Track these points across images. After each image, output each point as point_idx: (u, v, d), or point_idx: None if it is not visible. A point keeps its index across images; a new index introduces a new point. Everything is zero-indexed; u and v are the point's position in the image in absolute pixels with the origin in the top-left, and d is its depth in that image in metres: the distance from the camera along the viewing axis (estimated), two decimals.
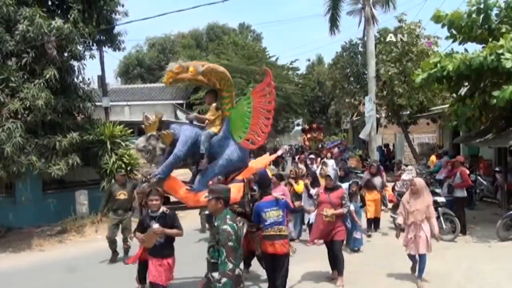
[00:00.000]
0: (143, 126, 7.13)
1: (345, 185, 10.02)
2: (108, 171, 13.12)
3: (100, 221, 9.79)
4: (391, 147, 25.98)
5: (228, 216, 4.43)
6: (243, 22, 46.11)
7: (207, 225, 11.12)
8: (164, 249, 5.94)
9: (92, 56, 14.38)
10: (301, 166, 12.65)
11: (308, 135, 26.13)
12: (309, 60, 46.40)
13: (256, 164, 7.87)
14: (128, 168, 13.56)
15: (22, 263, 10.11)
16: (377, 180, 11.24)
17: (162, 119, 7.11)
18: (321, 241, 7.66)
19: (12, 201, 12.88)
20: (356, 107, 26.67)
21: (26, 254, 11.03)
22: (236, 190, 6.63)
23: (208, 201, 4.59)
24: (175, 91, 27.24)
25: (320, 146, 23.86)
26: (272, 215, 6.48)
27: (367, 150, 22.56)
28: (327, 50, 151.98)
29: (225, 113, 7.26)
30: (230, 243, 4.24)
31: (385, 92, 20.50)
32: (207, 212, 10.63)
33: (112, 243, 9.50)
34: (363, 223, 10.43)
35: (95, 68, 27.14)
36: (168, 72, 6.94)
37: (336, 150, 19.52)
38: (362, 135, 20.16)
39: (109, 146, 13.36)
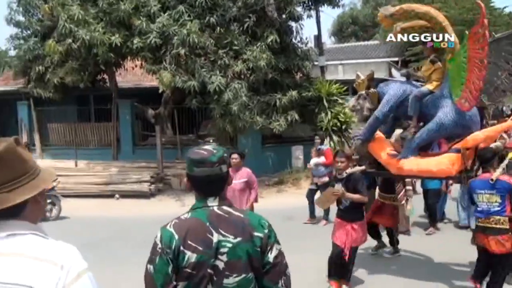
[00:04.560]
0: (355, 85, 7.08)
1: None
2: (323, 129, 13.57)
3: None
4: None
5: None
6: None
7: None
8: (348, 213, 5.87)
9: (309, 16, 14.82)
10: (505, 135, 9.63)
11: None
12: None
13: (486, 132, 5.90)
14: (343, 127, 13.81)
15: None
16: None
17: (373, 77, 6.74)
18: None
19: None
20: None
21: None
22: (448, 161, 5.82)
23: None
24: (390, 48, 26.26)
25: None
26: (484, 199, 5.34)
27: None
28: None
29: (447, 66, 6.04)
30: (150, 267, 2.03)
31: None
32: (312, 186, 10.03)
33: None
34: None
35: (310, 28, 27.65)
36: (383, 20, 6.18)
37: None
38: None
39: (326, 104, 13.74)
